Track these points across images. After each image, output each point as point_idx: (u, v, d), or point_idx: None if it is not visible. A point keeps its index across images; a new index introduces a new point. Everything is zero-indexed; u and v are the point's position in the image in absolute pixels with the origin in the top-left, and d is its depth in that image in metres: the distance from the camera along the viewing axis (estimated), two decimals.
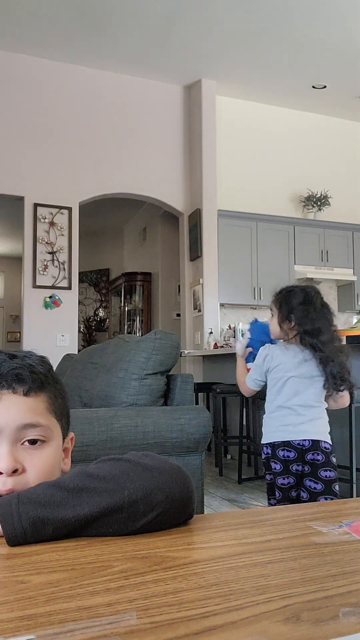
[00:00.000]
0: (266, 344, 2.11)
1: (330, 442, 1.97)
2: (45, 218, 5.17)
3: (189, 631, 0.37)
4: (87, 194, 5.39)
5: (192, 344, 5.70)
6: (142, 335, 4.64)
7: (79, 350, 5.23)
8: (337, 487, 1.95)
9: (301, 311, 1.98)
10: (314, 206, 6.16)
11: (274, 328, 2.08)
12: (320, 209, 6.16)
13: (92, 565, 0.50)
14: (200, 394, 5.13)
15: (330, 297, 6.35)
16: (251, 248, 5.74)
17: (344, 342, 2.71)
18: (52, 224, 5.18)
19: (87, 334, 9.21)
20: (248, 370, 2.17)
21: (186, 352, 5.22)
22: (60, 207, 5.23)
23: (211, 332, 5.38)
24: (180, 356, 5.40)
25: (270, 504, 2.02)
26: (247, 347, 2.22)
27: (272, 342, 2.17)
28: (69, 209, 5.25)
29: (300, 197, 6.25)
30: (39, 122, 5.26)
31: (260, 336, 2.21)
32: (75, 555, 0.53)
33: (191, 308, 5.75)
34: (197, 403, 4.77)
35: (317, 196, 6.15)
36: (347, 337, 3.03)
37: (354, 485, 2.80)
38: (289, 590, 0.44)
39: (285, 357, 1.99)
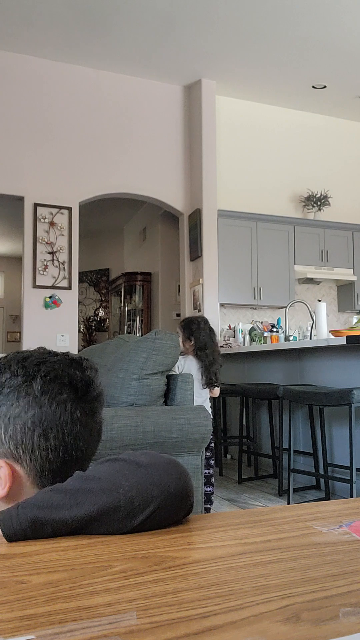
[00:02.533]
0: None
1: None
2: (45, 218, 5.17)
3: (189, 631, 0.37)
4: (87, 194, 5.39)
5: None
6: (142, 335, 4.63)
7: (79, 350, 5.23)
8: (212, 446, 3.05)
9: (197, 335, 2.98)
10: (314, 206, 6.16)
11: (180, 345, 2.94)
12: (320, 209, 6.16)
13: (92, 565, 0.50)
14: None
15: (330, 297, 6.35)
16: (251, 248, 5.74)
17: (346, 342, 3.12)
18: (52, 224, 5.18)
19: (87, 334, 9.20)
20: None
21: None
22: (60, 207, 5.23)
23: None
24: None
25: None
26: None
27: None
28: (69, 209, 5.25)
29: (300, 197, 6.25)
30: (39, 122, 5.26)
31: None
32: (75, 555, 0.53)
33: (191, 308, 5.75)
34: None
35: (317, 196, 6.15)
36: (347, 337, 3.03)
37: (354, 485, 2.80)
38: (289, 590, 0.44)
39: (190, 365, 2.96)
